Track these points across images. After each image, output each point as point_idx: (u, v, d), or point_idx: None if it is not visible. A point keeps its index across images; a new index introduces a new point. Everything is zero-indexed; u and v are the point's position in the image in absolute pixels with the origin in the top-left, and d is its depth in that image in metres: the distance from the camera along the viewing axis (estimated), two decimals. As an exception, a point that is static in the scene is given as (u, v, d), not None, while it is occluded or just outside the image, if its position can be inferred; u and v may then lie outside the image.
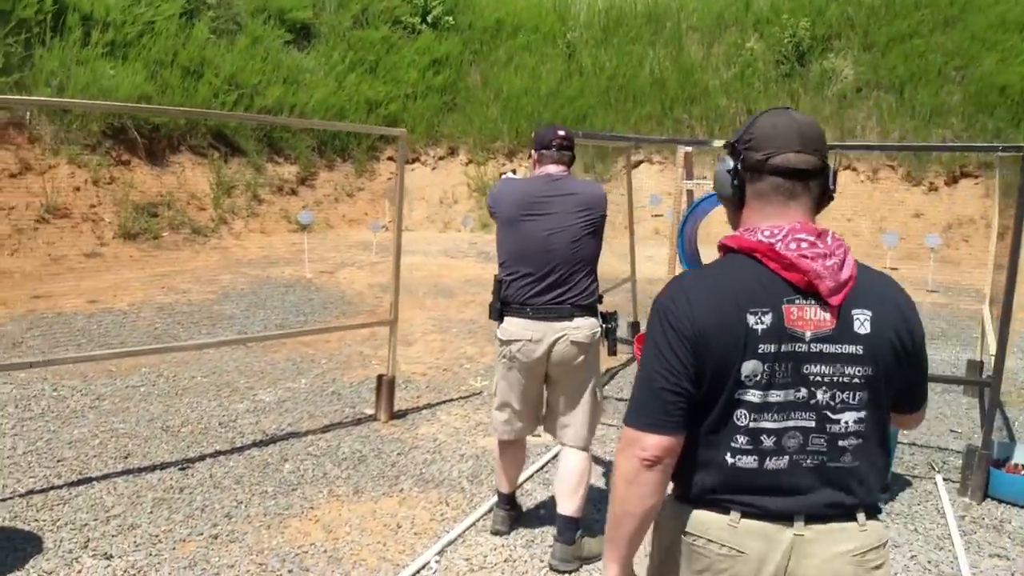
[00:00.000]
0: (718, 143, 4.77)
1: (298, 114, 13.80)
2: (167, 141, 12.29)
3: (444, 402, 5.32)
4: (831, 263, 1.45)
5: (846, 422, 1.46)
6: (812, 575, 1.44)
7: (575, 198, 3.19)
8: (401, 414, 5.01)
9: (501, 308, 3.26)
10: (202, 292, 8.28)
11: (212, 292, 8.32)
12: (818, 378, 1.44)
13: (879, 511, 1.53)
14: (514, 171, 12.99)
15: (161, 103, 11.81)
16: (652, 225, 13.72)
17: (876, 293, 1.49)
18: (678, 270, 4.78)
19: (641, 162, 15.04)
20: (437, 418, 5.00)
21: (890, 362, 1.47)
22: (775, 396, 1.43)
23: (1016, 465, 4.15)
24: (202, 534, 3.35)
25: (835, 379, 1.44)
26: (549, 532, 3.41)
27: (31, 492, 3.66)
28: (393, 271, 4.97)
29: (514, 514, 3.59)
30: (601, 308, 3.31)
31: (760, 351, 1.42)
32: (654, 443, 1.44)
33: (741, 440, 1.44)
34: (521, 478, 4.03)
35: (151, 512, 3.52)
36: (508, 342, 3.22)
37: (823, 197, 1.52)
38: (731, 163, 1.55)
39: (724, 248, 1.55)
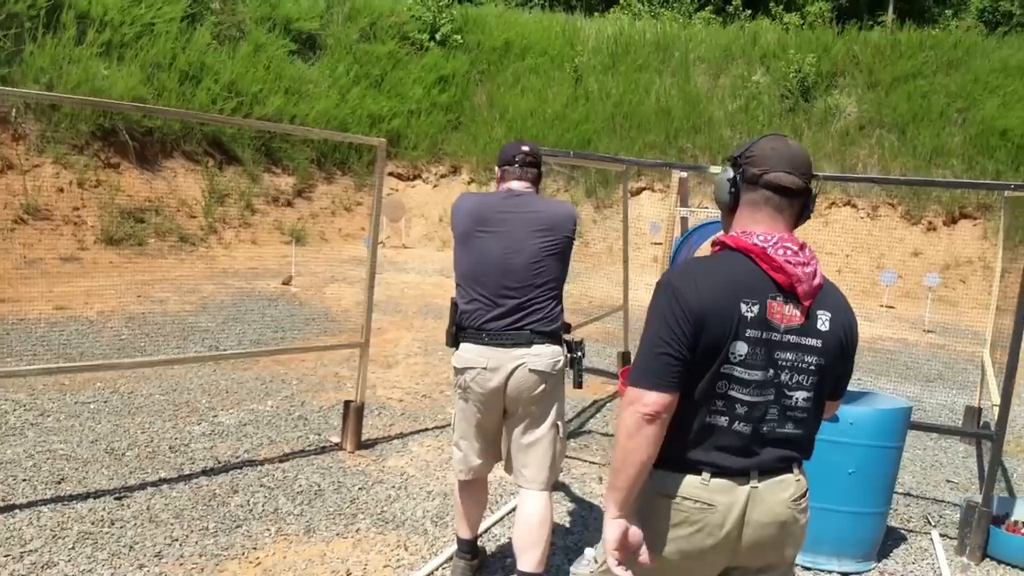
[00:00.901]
0: (714, 169, 4.49)
1: (299, 124, 13.53)
2: (160, 145, 12.00)
3: (418, 432, 4.95)
4: (808, 270, 1.74)
5: (797, 399, 1.77)
6: (762, 519, 1.75)
7: (537, 216, 2.90)
8: (370, 443, 4.65)
9: (456, 333, 2.95)
10: (180, 303, 7.94)
11: (190, 303, 7.99)
12: (784, 362, 1.74)
13: (802, 464, 1.85)
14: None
15: (156, 106, 11.54)
16: (651, 253, 13.41)
17: (833, 299, 1.81)
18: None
19: (643, 189, 14.80)
20: (408, 449, 4.64)
21: (836, 355, 1.79)
22: (754, 374, 1.72)
23: (1016, 523, 3.82)
24: (124, 577, 2.98)
25: (796, 364, 1.75)
26: (515, 589, 3.04)
27: (-56, 518, 3.31)
28: (367, 291, 4.62)
29: (475, 563, 3.22)
30: (567, 337, 3.00)
31: (748, 335, 1.71)
32: (654, 399, 1.68)
33: (719, 404, 1.73)
34: (488, 522, 3.68)
35: (72, 548, 3.15)
36: (462, 370, 2.91)
37: (803, 215, 1.82)
38: (731, 173, 1.83)
39: (721, 244, 1.81)
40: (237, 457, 4.28)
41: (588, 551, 1.93)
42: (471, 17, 17.47)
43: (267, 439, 4.58)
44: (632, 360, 1.85)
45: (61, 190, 10.14)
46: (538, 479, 2.93)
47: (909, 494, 4.56)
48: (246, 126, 12.96)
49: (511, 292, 2.85)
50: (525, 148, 3.02)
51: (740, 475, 1.73)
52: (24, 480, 3.74)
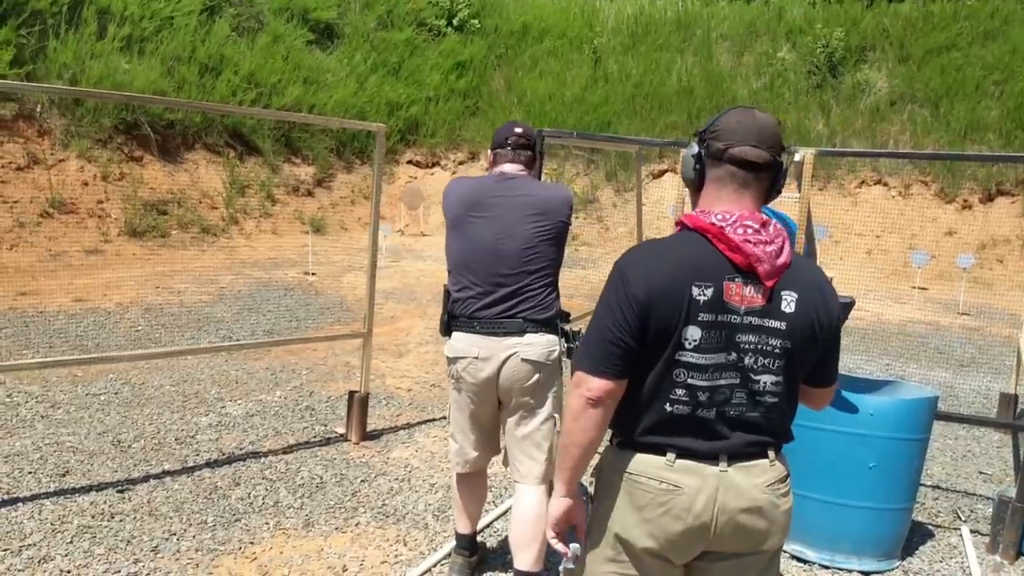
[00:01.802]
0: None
1: (317, 114, 13.55)
2: (181, 138, 12.10)
3: (425, 422, 4.93)
4: (771, 249, 1.67)
5: (764, 382, 1.71)
6: (736, 504, 1.69)
7: (529, 200, 2.80)
8: (375, 434, 4.63)
9: (449, 322, 2.89)
10: (197, 293, 8.01)
11: (208, 294, 8.05)
12: (746, 345, 1.68)
13: (780, 450, 1.79)
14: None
15: (178, 100, 11.63)
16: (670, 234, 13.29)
17: (804, 279, 1.72)
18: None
19: (665, 171, 14.59)
20: (414, 440, 4.62)
21: (807, 338, 1.71)
22: (710, 358, 1.66)
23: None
24: (119, 572, 2.99)
25: (760, 347, 1.69)
26: (512, 584, 3.00)
27: (-51, 512, 3.36)
28: (368, 281, 4.60)
29: (474, 560, 3.18)
30: (564, 326, 2.90)
31: (700, 319, 1.65)
32: (598, 385, 1.67)
33: (679, 393, 1.68)
34: (489, 517, 3.64)
35: (71, 543, 3.17)
36: (454, 360, 2.85)
37: (772, 191, 1.74)
38: (696, 149, 1.76)
39: (681, 224, 1.74)
40: (241, 449, 4.30)
41: (573, 546, 1.90)
42: (488, 1, 17.30)
43: (273, 430, 4.59)
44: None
45: (85, 184, 10.27)
46: (533, 473, 2.86)
47: (938, 487, 4.40)
48: (254, 115, 13.03)
49: (503, 279, 2.77)
50: (518, 130, 2.93)
51: (708, 458, 1.69)
52: (30, 473, 3.78)
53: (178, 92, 11.92)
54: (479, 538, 3.27)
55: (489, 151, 2.99)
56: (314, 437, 4.54)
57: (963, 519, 4.00)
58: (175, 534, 3.31)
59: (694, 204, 1.79)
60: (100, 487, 3.70)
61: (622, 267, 1.70)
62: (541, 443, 2.86)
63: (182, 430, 4.49)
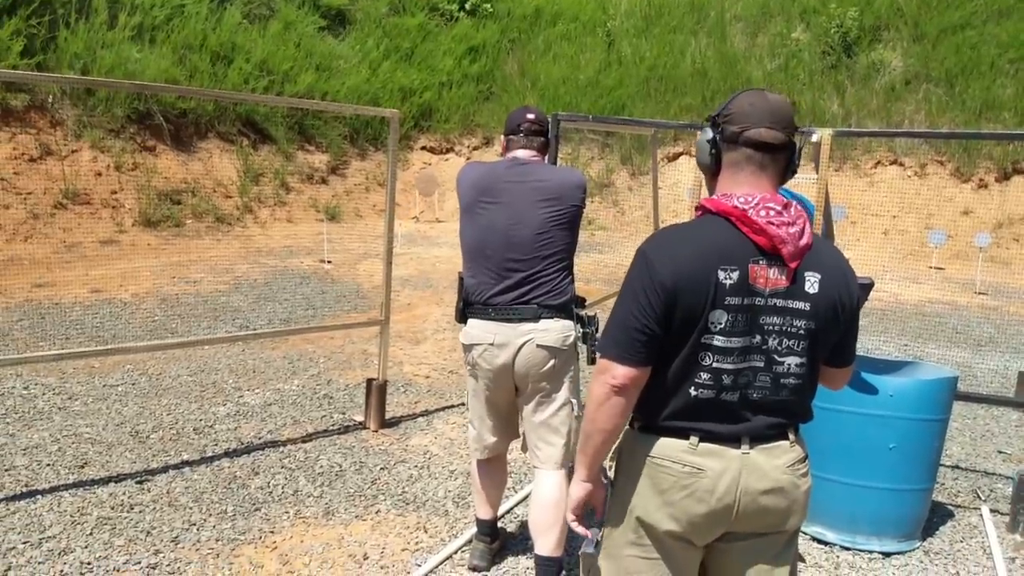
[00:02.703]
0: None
1: (329, 101, 13.50)
2: (194, 127, 12.07)
3: (443, 408, 4.90)
4: (794, 231, 1.67)
5: (788, 364, 1.71)
6: (758, 485, 1.69)
7: (541, 185, 2.78)
8: (394, 422, 4.60)
9: (464, 309, 2.87)
10: (214, 283, 8.00)
11: (224, 283, 8.04)
12: (770, 327, 1.68)
13: (799, 431, 1.80)
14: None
15: (188, 87, 11.60)
16: (691, 219, 13.18)
17: (826, 260, 1.73)
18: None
19: (680, 154, 14.45)
20: (432, 427, 4.58)
21: (830, 319, 1.71)
22: (735, 341, 1.66)
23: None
24: (139, 563, 2.97)
25: (784, 329, 1.68)
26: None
27: (-32, 505, 3.35)
28: (384, 268, 4.55)
29: (495, 546, 3.15)
30: (580, 311, 2.87)
31: (727, 303, 1.65)
32: (622, 372, 1.67)
33: (704, 377, 1.67)
34: (510, 502, 3.60)
35: (90, 534, 3.16)
36: (469, 347, 2.85)
37: (787, 170, 1.75)
38: (711, 134, 1.75)
39: (702, 209, 1.74)
40: (260, 438, 4.28)
41: (593, 530, 1.89)
42: (501, -15, 17.15)
43: (291, 419, 4.57)
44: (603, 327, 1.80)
45: (99, 174, 10.27)
46: (552, 458, 2.85)
47: (957, 467, 4.35)
48: (267, 103, 12.99)
49: (516, 265, 2.76)
50: (531, 116, 2.92)
51: (730, 441, 1.70)
52: (48, 465, 3.78)
53: (190, 80, 11.89)
54: (499, 524, 3.24)
55: (502, 137, 2.98)
56: (333, 425, 4.51)
57: (983, 499, 3.97)
58: (195, 524, 3.29)
59: (711, 189, 1.80)
60: (119, 478, 3.68)
61: (646, 253, 1.69)
62: (559, 428, 2.85)
63: (200, 420, 4.47)
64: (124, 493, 3.53)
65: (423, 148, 15.07)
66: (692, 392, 1.68)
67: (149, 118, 11.39)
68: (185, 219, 10.80)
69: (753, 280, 1.65)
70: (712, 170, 1.76)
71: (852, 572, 3.22)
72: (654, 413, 1.73)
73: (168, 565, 2.97)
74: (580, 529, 1.85)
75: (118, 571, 2.92)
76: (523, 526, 3.42)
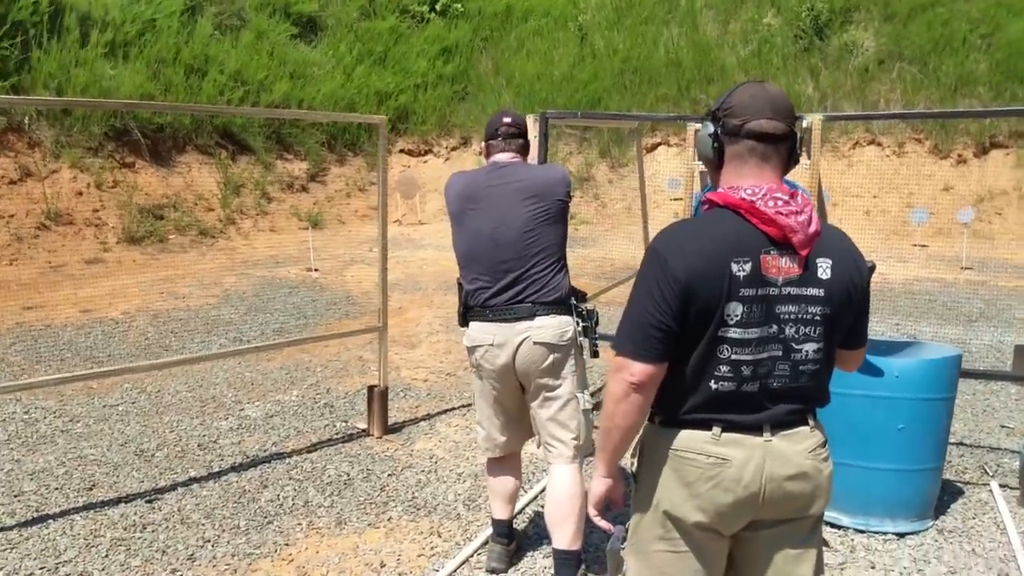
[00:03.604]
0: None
1: (306, 108, 13.46)
2: (172, 141, 12.00)
3: (445, 411, 4.93)
4: (802, 219, 1.69)
5: (806, 351, 1.74)
6: (782, 471, 1.72)
7: (522, 185, 2.85)
8: (397, 427, 4.63)
9: (464, 313, 2.95)
10: (203, 297, 7.97)
11: (213, 296, 8.01)
12: (786, 316, 1.70)
13: (816, 416, 1.83)
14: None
15: (164, 102, 11.53)
16: (672, 209, 13.18)
17: (835, 245, 1.76)
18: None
19: (659, 144, 14.53)
20: (436, 431, 4.61)
21: (844, 302, 1.74)
22: (752, 332, 1.69)
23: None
24: (158, 582, 2.99)
25: (800, 316, 1.71)
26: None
27: (-20, 533, 3.35)
28: (380, 274, 4.57)
29: (512, 547, 3.19)
30: (578, 305, 2.93)
31: (742, 294, 1.67)
32: (640, 369, 1.69)
33: (723, 370, 1.70)
34: (522, 502, 3.64)
35: (106, 556, 3.17)
36: (472, 349, 2.92)
37: (790, 160, 1.77)
38: (712, 128, 1.77)
39: (710, 203, 1.76)
40: (265, 451, 4.29)
41: (618, 528, 1.92)
42: (471, -16, 17.15)
43: (294, 430, 4.58)
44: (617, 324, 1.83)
45: (80, 193, 10.20)
46: (564, 453, 2.90)
47: (962, 443, 4.39)
48: (250, 115, 12.95)
49: (507, 266, 2.83)
50: (507, 119, 3.00)
51: (752, 429, 1.72)
52: (56, 489, 3.77)
53: (165, 95, 11.82)
54: (513, 524, 3.28)
55: (482, 143, 3.04)
56: (336, 434, 4.53)
57: (991, 474, 4.01)
58: (209, 541, 3.31)
59: (714, 182, 1.82)
60: (128, 499, 3.69)
61: (659, 249, 1.71)
62: (567, 423, 2.89)
63: (204, 435, 4.48)
64: (135, 513, 3.54)
65: (401, 151, 15.05)
66: (712, 385, 1.70)
67: (126, 135, 11.31)
68: (168, 234, 10.73)
69: (766, 270, 1.68)
70: (715, 163, 1.78)
71: (868, 555, 3.26)
72: (674, 407, 1.75)
73: (187, 583, 2.99)
74: (603, 524, 1.88)
75: (138, 592, 2.94)
76: (535, 524, 3.46)
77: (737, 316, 1.67)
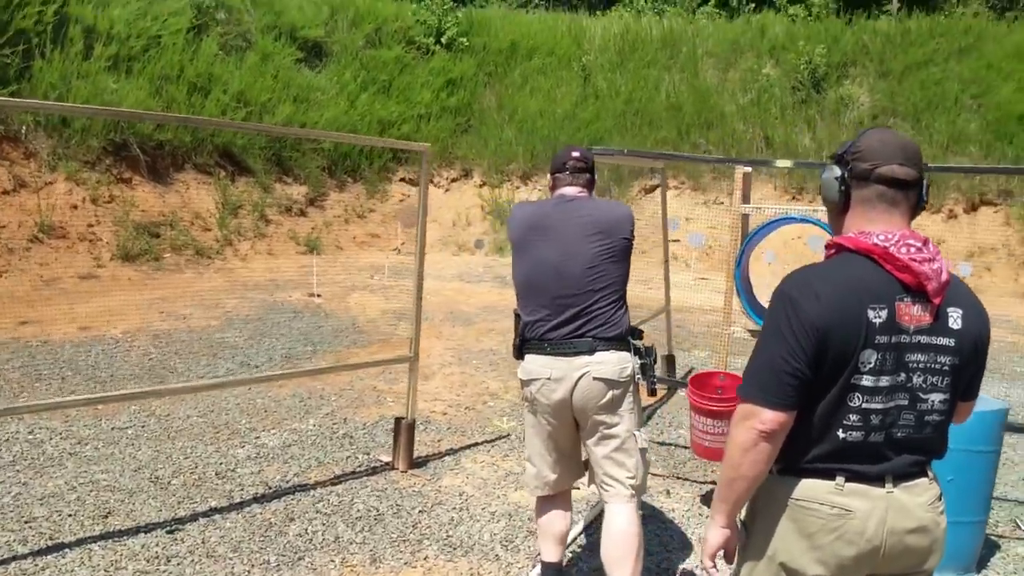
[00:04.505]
0: (781, 164, 4.30)
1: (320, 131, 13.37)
2: (171, 159, 11.82)
3: (468, 447, 4.76)
4: (936, 267, 1.67)
5: (932, 401, 1.70)
6: (904, 525, 1.67)
7: (589, 220, 2.82)
8: (421, 462, 4.45)
9: (521, 345, 2.89)
10: (204, 318, 7.75)
11: (215, 318, 7.79)
12: (915, 364, 1.66)
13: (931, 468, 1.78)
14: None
15: (193, 116, 11.37)
16: (671, 250, 13.26)
17: (963, 295, 1.73)
18: (735, 302, 4.25)
19: (656, 187, 14.59)
20: (461, 466, 4.44)
21: (969, 353, 1.71)
22: (884, 381, 1.64)
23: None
24: (191, 620, 2.78)
25: (929, 365, 1.67)
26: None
27: (-9, 561, 3.11)
28: (415, 303, 4.43)
29: (564, 593, 3.04)
30: (636, 342, 2.90)
31: (877, 342, 1.63)
32: (771, 417, 1.64)
33: (853, 419, 1.65)
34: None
35: (131, 589, 2.96)
36: (527, 382, 2.84)
37: (917, 206, 1.74)
38: (839, 171, 1.74)
39: (838, 247, 1.72)
40: (287, 481, 4.09)
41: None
42: (476, 19, 17.26)
43: (315, 460, 4.39)
44: (744, 370, 1.76)
45: (75, 207, 9.96)
46: (621, 492, 2.82)
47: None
48: (293, 135, 12.88)
49: (569, 300, 2.78)
50: (576, 154, 2.98)
51: (875, 480, 1.68)
52: (70, 515, 3.54)
53: (167, 111, 11.66)
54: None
55: (549, 175, 3.03)
56: (359, 467, 4.34)
57: (1023, 527, 3.96)
58: (239, 576, 3.11)
59: (836, 226, 1.80)
60: (148, 528, 3.47)
61: (789, 292, 1.68)
62: (625, 461, 2.82)
63: (221, 463, 4.26)
64: (157, 544, 3.32)
65: (402, 180, 14.97)
66: (840, 435, 1.66)
67: (125, 149, 11.12)
68: (164, 253, 10.50)
69: (899, 318, 1.64)
70: (840, 207, 1.75)
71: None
72: (797, 455, 1.70)
73: (222, 623, 2.79)
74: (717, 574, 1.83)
75: (169, 631, 2.73)
76: (576, 565, 3.30)
77: (870, 364, 1.64)
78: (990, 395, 6.58)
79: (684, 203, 14.13)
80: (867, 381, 1.64)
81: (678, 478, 4.36)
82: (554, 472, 2.93)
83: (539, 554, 3.05)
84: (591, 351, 2.76)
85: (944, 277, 1.68)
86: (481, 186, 14.86)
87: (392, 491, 4.03)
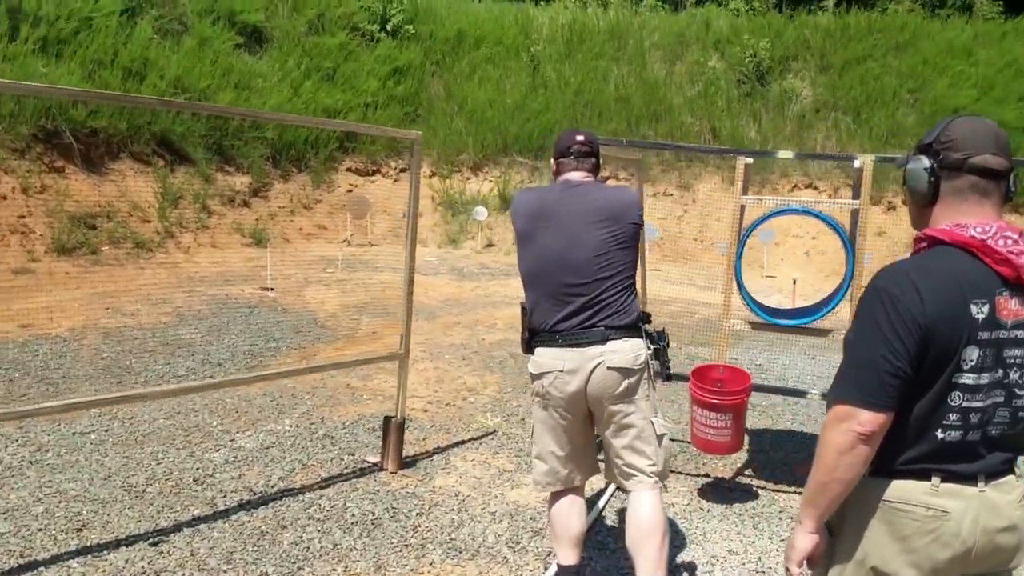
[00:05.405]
0: (784, 154, 4.30)
1: (251, 121, 12.88)
2: (105, 147, 11.20)
3: (455, 444, 4.60)
4: None
5: None
6: (995, 524, 1.61)
7: (595, 206, 2.71)
8: (409, 462, 4.27)
9: (530, 339, 2.77)
10: (153, 314, 7.35)
11: (165, 314, 7.40)
12: (1012, 360, 1.61)
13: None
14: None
15: (100, 106, 10.78)
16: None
17: None
18: (735, 297, 4.20)
19: (608, 179, 14.61)
20: (452, 465, 4.28)
21: None
22: (984, 378, 1.59)
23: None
24: (195, 642, 2.56)
25: None
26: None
27: (-42, 584, 2.82)
28: (404, 298, 4.25)
29: (584, 594, 2.93)
30: (648, 327, 2.82)
31: (979, 338, 1.58)
32: (870, 418, 1.57)
33: (953, 418, 1.59)
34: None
35: (123, 610, 2.71)
36: (539, 375, 2.73)
37: (1006, 196, 1.67)
38: (927, 162, 1.67)
39: (931, 240, 1.65)
40: (272, 486, 3.86)
41: None
42: (421, 7, 16.92)
43: (298, 463, 4.16)
44: (837, 370, 1.68)
45: (4, 197, 9.35)
46: (644, 480, 2.75)
47: None
48: (266, 119, 12.32)
49: (577, 289, 2.68)
50: (580, 137, 2.86)
51: (969, 479, 1.63)
52: (40, 529, 3.25)
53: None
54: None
55: (552, 160, 2.90)
56: (346, 468, 4.14)
57: None
58: (239, 591, 2.89)
59: (921, 219, 1.74)
60: (128, 541, 3.21)
61: (886, 288, 1.61)
62: (644, 449, 2.75)
63: (197, 468, 4.00)
64: (142, 558, 3.07)
65: (348, 169, 14.58)
66: (939, 435, 1.61)
67: (57, 137, 10.48)
68: (102, 246, 9.95)
69: (999, 312, 1.60)
70: (929, 199, 1.69)
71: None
72: (891, 456, 1.64)
73: (229, 643, 2.58)
74: None
75: (171, 655, 2.50)
76: (590, 560, 3.19)
77: (972, 361, 1.58)
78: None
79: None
80: (968, 379, 1.59)
81: (673, 471, 4.29)
82: (565, 467, 2.83)
83: (551, 554, 2.93)
84: (604, 340, 2.67)
85: None
86: (431, 176, 14.61)
87: (385, 493, 3.85)
